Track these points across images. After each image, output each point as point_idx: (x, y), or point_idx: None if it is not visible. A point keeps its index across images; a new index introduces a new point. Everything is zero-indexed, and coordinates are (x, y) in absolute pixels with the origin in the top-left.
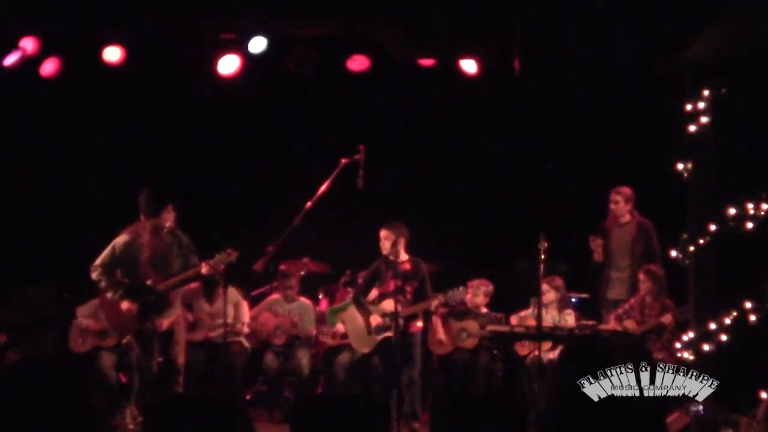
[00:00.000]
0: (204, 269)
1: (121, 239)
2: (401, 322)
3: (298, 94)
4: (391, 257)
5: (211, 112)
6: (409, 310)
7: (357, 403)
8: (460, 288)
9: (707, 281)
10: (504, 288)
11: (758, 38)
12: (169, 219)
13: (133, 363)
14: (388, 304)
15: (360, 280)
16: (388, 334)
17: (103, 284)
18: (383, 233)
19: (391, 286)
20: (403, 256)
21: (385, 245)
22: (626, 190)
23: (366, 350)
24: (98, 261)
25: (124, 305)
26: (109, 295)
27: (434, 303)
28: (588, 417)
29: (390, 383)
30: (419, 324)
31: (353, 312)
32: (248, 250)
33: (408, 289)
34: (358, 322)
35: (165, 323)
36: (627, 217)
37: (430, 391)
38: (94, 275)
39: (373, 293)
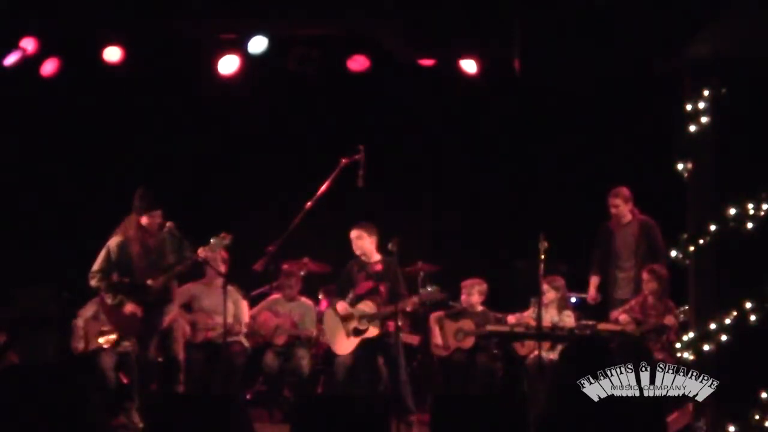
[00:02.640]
0: (201, 253)
1: (113, 241)
2: (378, 323)
3: (298, 94)
4: (363, 258)
5: (210, 112)
6: (384, 311)
7: (357, 403)
8: (434, 287)
9: (707, 281)
10: (504, 288)
11: (758, 38)
12: (155, 216)
13: (134, 362)
14: (364, 306)
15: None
16: (367, 335)
17: (102, 290)
18: (355, 233)
19: (365, 287)
20: (376, 257)
21: (358, 245)
22: (624, 191)
23: (345, 352)
24: (96, 267)
25: (128, 308)
26: (108, 301)
27: (410, 303)
28: (588, 417)
29: (375, 384)
30: (399, 323)
31: (332, 315)
32: (248, 250)
33: (382, 289)
34: (337, 326)
35: (166, 320)
36: (629, 217)
37: (430, 392)
38: (93, 282)
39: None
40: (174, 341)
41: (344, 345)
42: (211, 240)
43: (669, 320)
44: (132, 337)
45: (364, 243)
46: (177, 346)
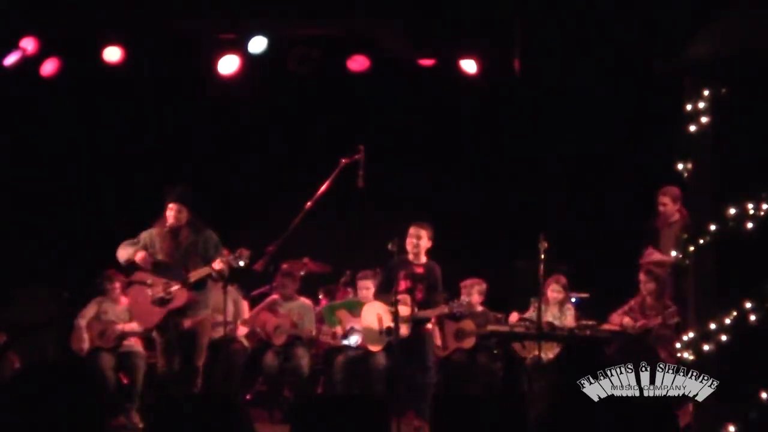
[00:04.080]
0: (217, 265)
1: (147, 231)
2: (410, 325)
3: (298, 94)
4: (411, 257)
5: (210, 112)
6: (417, 315)
7: (357, 403)
8: (465, 300)
9: (707, 281)
10: (504, 288)
11: (758, 38)
12: (173, 210)
13: (136, 365)
14: (400, 309)
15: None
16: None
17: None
18: (414, 230)
19: (402, 286)
20: (422, 259)
21: (414, 243)
22: (674, 190)
23: (375, 349)
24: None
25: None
26: (132, 254)
27: (438, 313)
28: (588, 416)
29: (394, 383)
30: (429, 326)
31: (371, 309)
32: (248, 250)
33: (419, 292)
34: (373, 320)
35: (187, 322)
36: (676, 216)
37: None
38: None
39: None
40: (197, 346)
41: (376, 340)
42: (230, 255)
43: (664, 331)
44: (150, 327)
45: (421, 243)
46: (198, 351)
